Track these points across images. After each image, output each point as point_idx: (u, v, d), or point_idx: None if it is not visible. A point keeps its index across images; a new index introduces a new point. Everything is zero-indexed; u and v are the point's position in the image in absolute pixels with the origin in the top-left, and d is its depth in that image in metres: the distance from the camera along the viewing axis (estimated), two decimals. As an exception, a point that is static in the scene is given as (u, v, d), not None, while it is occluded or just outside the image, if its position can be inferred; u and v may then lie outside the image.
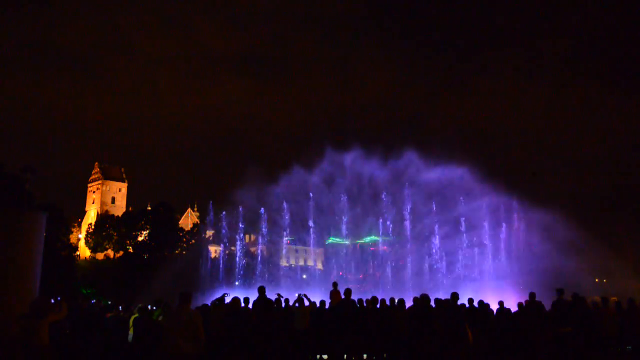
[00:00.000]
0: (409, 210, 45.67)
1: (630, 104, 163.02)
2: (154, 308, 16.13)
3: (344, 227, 49.26)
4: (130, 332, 13.31)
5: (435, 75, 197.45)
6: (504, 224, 43.01)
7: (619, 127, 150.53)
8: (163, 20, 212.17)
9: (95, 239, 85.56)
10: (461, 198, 43.01)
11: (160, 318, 14.13)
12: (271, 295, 14.86)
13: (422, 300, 12.39)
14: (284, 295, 15.19)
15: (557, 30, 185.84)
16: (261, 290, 13.08)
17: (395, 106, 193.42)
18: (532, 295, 14.62)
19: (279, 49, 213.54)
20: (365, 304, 14.65)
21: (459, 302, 13.42)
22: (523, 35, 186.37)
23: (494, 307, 15.92)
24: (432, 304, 13.29)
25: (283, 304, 14.62)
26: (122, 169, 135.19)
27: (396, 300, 14.62)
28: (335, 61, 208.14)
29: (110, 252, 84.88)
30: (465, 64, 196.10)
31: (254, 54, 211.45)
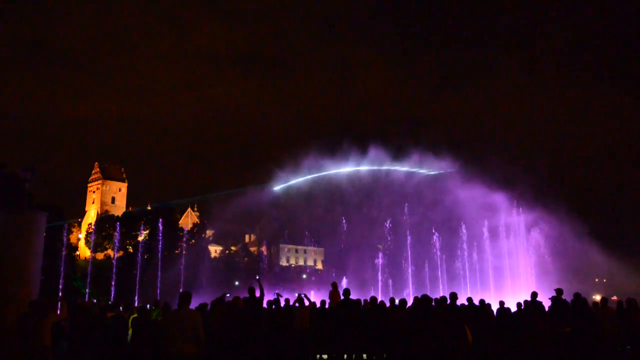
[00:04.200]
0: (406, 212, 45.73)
1: (632, 101, 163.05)
2: (153, 308, 16.14)
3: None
4: (130, 332, 13.32)
5: (436, 73, 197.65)
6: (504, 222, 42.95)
7: (620, 125, 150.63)
8: (163, 20, 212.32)
9: (95, 239, 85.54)
10: (462, 205, 42.99)
11: (159, 318, 14.14)
12: (270, 295, 14.88)
13: (421, 300, 12.37)
14: (284, 295, 15.17)
15: (558, 27, 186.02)
16: (250, 290, 13.04)
17: (395, 104, 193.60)
18: (533, 294, 14.59)
19: (279, 48, 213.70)
20: (364, 304, 14.64)
21: (458, 302, 13.46)
22: (523, 33, 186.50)
23: (495, 306, 15.92)
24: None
25: (282, 304, 14.62)
26: (122, 169, 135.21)
27: (397, 301, 14.62)
28: (336, 59, 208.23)
29: (111, 252, 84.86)
30: (466, 62, 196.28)
31: (254, 54, 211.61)
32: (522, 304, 15.00)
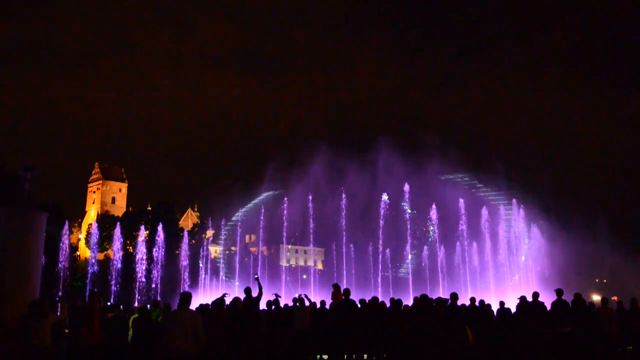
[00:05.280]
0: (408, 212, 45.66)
1: (632, 101, 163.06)
2: (154, 308, 16.12)
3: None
4: (130, 332, 13.30)
5: (436, 72, 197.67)
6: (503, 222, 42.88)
7: (619, 125, 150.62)
8: (163, 19, 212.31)
9: (96, 239, 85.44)
10: (461, 200, 42.94)
11: (159, 318, 14.12)
12: (269, 295, 14.86)
13: (422, 300, 12.36)
14: (286, 295, 15.17)
15: (557, 27, 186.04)
16: (247, 290, 13.04)
17: (396, 103, 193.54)
18: (535, 295, 14.55)
19: (279, 46, 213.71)
20: (365, 304, 14.61)
21: (459, 302, 13.44)
22: (523, 32, 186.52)
23: (495, 307, 15.91)
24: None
25: (282, 304, 14.60)
26: (122, 169, 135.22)
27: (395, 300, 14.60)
28: (336, 58, 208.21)
29: (111, 252, 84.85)
30: (466, 61, 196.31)
31: (254, 52, 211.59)
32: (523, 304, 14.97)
